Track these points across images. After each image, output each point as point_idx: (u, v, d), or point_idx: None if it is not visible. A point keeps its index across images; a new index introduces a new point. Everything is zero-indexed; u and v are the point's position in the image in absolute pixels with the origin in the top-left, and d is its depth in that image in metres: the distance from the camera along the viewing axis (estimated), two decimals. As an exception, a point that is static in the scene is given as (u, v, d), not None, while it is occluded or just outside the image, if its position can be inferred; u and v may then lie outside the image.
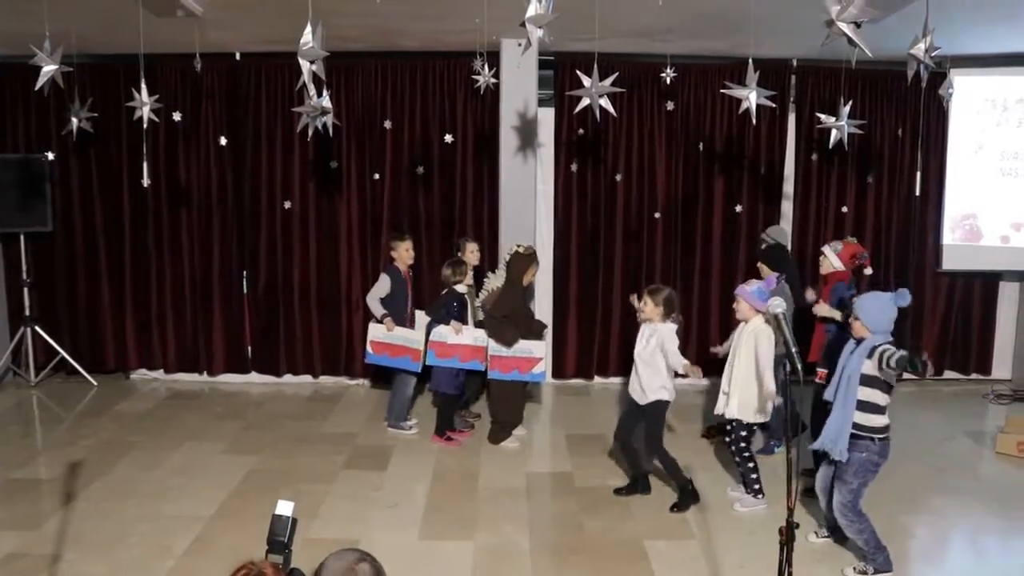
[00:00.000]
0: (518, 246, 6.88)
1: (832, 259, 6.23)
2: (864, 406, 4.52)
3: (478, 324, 7.02)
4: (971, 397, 8.65)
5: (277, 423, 7.45)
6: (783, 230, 7.95)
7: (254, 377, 8.80)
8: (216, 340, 8.68)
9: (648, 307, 5.67)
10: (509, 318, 6.72)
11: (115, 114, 8.10)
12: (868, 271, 6.57)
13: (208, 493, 5.78)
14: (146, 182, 5.92)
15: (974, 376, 9.19)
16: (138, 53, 5.41)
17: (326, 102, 4.71)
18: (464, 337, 6.83)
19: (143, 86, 5.09)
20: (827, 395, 4.74)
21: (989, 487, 6.16)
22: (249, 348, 8.77)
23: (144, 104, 5.09)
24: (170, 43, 7.23)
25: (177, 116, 8.10)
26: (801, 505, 5.64)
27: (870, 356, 4.47)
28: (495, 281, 6.99)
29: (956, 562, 5.16)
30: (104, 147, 8.38)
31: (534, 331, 6.90)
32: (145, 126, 5.22)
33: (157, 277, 8.60)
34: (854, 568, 4.76)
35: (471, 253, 7.19)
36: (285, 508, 3.07)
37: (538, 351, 6.82)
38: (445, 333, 6.82)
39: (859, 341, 4.60)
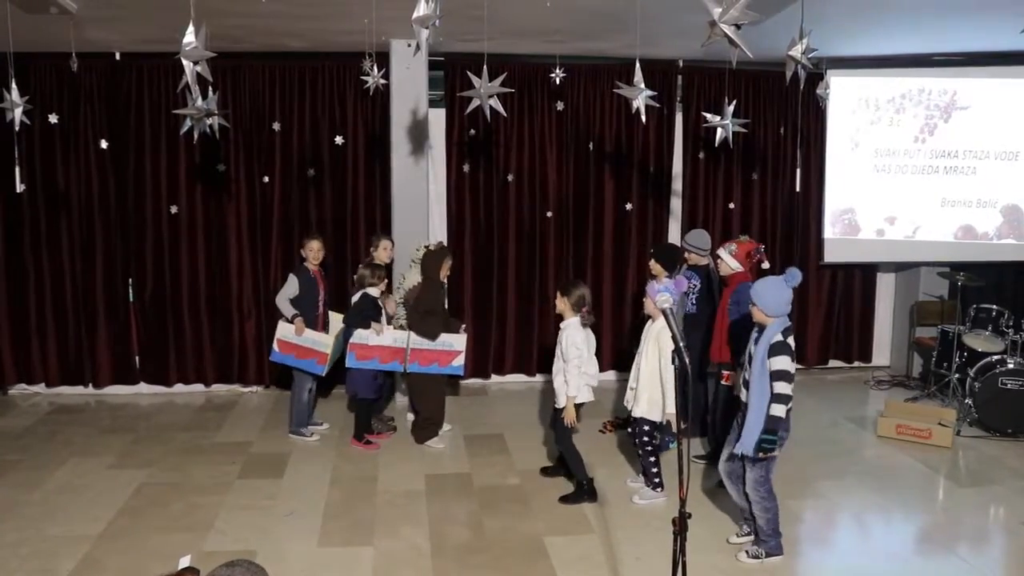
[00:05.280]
0: (427, 245, 6.94)
1: (729, 261, 6.21)
2: (780, 399, 4.54)
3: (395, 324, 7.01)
4: (854, 384, 9.05)
5: (168, 435, 7.22)
6: (702, 234, 7.10)
7: (143, 388, 8.52)
8: (101, 351, 8.36)
9: (559, 302, 5.72)
10: (431, 313, 6.73)
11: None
12: (765, 265, 6.63)
13: (95, 511, 5.56)
14: (20, 188, 5.64)
15: (856, 364, 9.63)
16: (7, 52, 5.16)
17: (212, 104, 4.59)
18: (384, 339, 6.78)
19: (13, 86, 4.86)
20: (741, 394, 4.79)
21: (871, 469, 6.47)
22: (137, 358, 8.49)
23: (16, 105, 4.86)
24: (44, 41, 6.98)
25: (54, 118, 7.75)
26: (713, 503, 5.75)
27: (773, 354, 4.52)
28: (413, 277, 7.00)
29: (842, 541, 5.39)
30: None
31: (451, 328, 6.92)
32: (17, 128, 4.99)
33: (36, 286, 8.23)
34: (747, 552, 4.90)
35: (384, 251, 7.13)
36: None
37: (459, 344, 6.86)
38: (366, 335, 6.74)
39: (761, 329, 4.67)
